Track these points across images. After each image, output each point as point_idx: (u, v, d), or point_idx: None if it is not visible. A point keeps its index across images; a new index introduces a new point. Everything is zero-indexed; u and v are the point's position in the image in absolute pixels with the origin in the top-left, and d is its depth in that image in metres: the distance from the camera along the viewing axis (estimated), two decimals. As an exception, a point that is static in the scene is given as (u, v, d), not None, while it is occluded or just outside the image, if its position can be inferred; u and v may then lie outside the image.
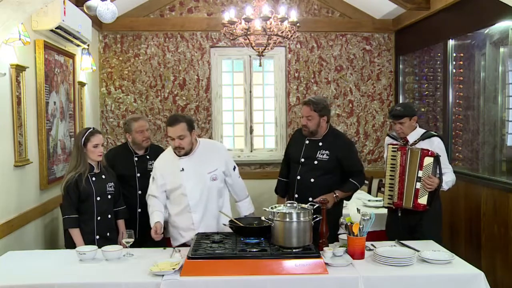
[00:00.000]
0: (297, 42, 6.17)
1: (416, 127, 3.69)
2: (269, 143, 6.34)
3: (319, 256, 2.74)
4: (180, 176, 3.34)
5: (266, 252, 2.79)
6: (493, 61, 4.51)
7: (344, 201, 3.83)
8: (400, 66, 6.23)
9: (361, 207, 4.36)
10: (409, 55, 6.10)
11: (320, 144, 3.72)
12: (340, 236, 3.23)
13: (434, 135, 3.66)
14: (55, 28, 3.96)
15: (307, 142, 3.77)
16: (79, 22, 4.35)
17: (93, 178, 3.39)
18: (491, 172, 4.50)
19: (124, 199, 3.70)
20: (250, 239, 2.97)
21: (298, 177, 3.74)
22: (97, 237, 3.36)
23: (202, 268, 2.65)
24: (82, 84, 5.11)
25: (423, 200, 3.51)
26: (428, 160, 3.50)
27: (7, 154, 3.49)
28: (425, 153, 3.51)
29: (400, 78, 6.23)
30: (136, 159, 3.97)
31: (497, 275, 4.09)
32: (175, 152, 3.37)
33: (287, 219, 2.80)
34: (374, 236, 3.78)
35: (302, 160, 3.74)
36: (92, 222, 3.37)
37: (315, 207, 2.98)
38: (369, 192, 5.59)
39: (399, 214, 3.63)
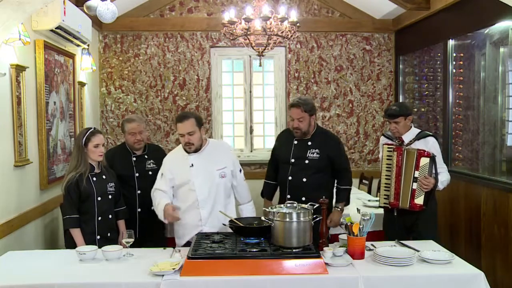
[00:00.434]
0: (297, 42, 6.17)
1: (411, 127, 3.71)
2: (269, 143, 6.32)
3: (319, 256, 2.74)
4: (189, 171, 3.38)
5: (266, 252, 2.79)
6: (493, 61, 4.51)
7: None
8: (400, 66, 6.23)
9: (361, 207, 4.36)
10: (409, 55, 6.10)
11: (310, 143, 3.73)
12: (340, 236, 3.23)
13: (429, 135, 3.68)
14: (55, 28, 3.96)
15: (295, 142, 3.77)
16: (79, 22, 4.35)
17: (94, 178, 3.38)
18: (491, 172, 4.50)
19: (124, 199, 3.70)
20: (250, 239, 2.97)
21: (290, 178, 3.72)
22: (98, 237, 3.36)
23: (202, 268, 2.65)
24: (82, 84, 5.11)
25: (419, 200, 3.53)
26: (424, 161, 3.52)
27: (7, 154, 3.49)
28: (421, 153, 3.53)
29: (400, 78, 6.23)
30: (134, 159, 3.96)
31: (497, 275, 4.09)
32: (185, 149, 3.42)
33: (287, 219, 2.80)
34: (374, 236, 3.78)
35: (293, 160, 3.74)
36: (93, 222, 3.37)
37: (315, 207, 2.98)
38: (369, 192, 5.59)
39: (395, 214, 3.66)
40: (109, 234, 3.44)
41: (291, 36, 4.24)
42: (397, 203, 3.60)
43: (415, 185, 3.53)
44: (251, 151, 6.30)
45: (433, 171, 3.53)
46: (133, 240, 3.04)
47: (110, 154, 4.00)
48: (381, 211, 3.92)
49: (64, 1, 3.92)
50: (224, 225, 3.19)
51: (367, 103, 6.31)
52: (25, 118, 3.71)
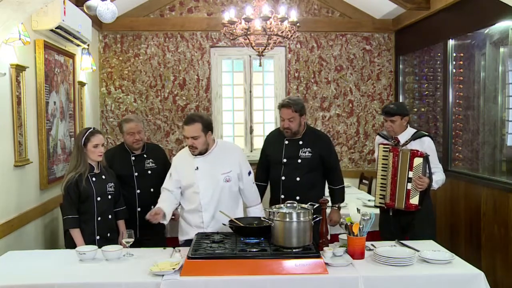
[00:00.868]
0: (297, 42, 6.17)
1: (407, 128, 3.74)
2: (269, 143, 6.34)
3: (319, 256, 2.74)
4: (194, 174, 3.36)
5: (266, 252, 2.79)
6: (493, 61, 4.52)
7: (344, 201, 3.91)
8: (400, 66, 6.23)
9: (361, 207, 4.37)
10: (409, 55, 6.10)
11: (301, 142, 3.73)
12: (340, 236, 3.23)
13: (424, 135, 3.70)
14: (55, 28, 3.96)
15: (286, 142, 3.76)
16: (79, 22, 4.35)
17: (93, 179, 3.38)
18: (491, 172, 4.50)
19: (123, 199, 3.69)
20: (250, 239, 2.97)
21: (283, 178, 3.72)
22: (98, 237, 3.35)
23: (202, 268, 2.65)
24: (82, 84, 5.11)
25: (414, 200, 3.55)
26: (418, 161, 3.54)
27: (7, 154, 3.49)
28: (414, 153, 3.55)
29: (400, 78, 6.23)
30: (133, 158, 3.96)
31: (497, 275, 4.09)
32: (190, 151, 3.40)
33: (287, 219, 2.80)
34: (374, 236, 3.79)
35: (285, 160, 3.73)
36: (92, 222, 3.36)
37: (315, 207, 2.98)
38: (369, 192, 5.59)
39: (390, 214, 3.69)
40: (108, 234, 3.44)
41: (291, 36, 4.25)
42: (393, 203, 3.63)
43: (409, 185, 3.55)
44: (251, 151, 6.30)
45: (427, 171, 3.55)
46: (133, 240, 3.04)
47: (109, 154, 3.99)
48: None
49: (64, 1, 3.92)
50: (224, 225, 3.19)
51: (367, 103, 6.31)
52: (25, 118, 3.70)
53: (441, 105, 5.23)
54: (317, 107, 6.26)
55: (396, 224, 3.65)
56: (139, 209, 3.88)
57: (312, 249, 2.81)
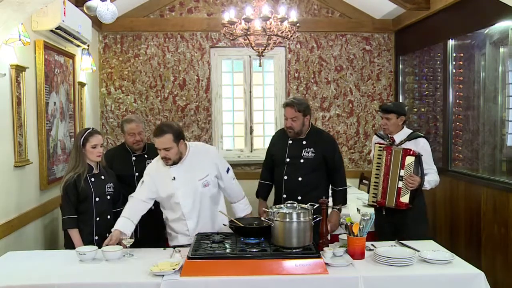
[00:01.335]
0: (297, 42, 6.17)
1: (403, 128, 3.76)
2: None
3: (319, 256, 2.74)
4: (171, 184, 3.28)
5: (266, 252, 2.79)
6: (493, 61, 4.51)
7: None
8: (400, 66, 6.23)
9: (361, 207, 4.37)
10: (409, 55, 6.10)
11: (304, 142, 3.73)
12: (340, 236, 3.23)
13: (420, 136, 3.73)
14: (55, 29, 3.96)
15: (290, 142, 3.78)
16: (79, 22, 4.35)
17: (92, 179, 3.38)
18: (491, 172, 4.50)
19: (123, 199, 3.69)
20: (250, 239, 2.97)
21: (285, 177, 3.73)
22: (96, 237, 3.35)
23: (202, 268, 2.65)
24: (82, 85, 5.11)
25: (405, 198, 3.58)
26: (410, 159, 3.57)
27: (7, 154, 3.49)
28: (406, 152, 3.58)
29: (400, 78, 6.23)
30: (134, 158, 3.96)
31: (497, 275, 4.09)
32: (164, 162, 3.29)
33: (287, 219, 2.79)
34: (373, 236, 3.79)
35: (288, 160, 3.74)
36: (91, 222, 3.37)
37: (315, 207, 2.98)
38: (368, 192, 5.57)
39: (384, 213, 3.71)
40: (107, 235, 3.41)
41: (291, 36, 4.25)
42: (384, 201, 3.66)
43: (400, 184, 3.59)
44: (251, 151, 6.30)
45: (419, 170, 3.57)
46: (133, 240, 3.04)
47: (109, 154, 4.00)
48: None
49: (64, 1, 3.92)
50: (224, 225, 3.18)
51: (367, 103, 6.31)
52: (25, 118, 3.71)
53: (441, 105, 5.23)
54: (317, 107, 6.26)
55: (390, 223, 3.68)
56: (139, 209, 3.87)
57: (312, 249, 2.81)
